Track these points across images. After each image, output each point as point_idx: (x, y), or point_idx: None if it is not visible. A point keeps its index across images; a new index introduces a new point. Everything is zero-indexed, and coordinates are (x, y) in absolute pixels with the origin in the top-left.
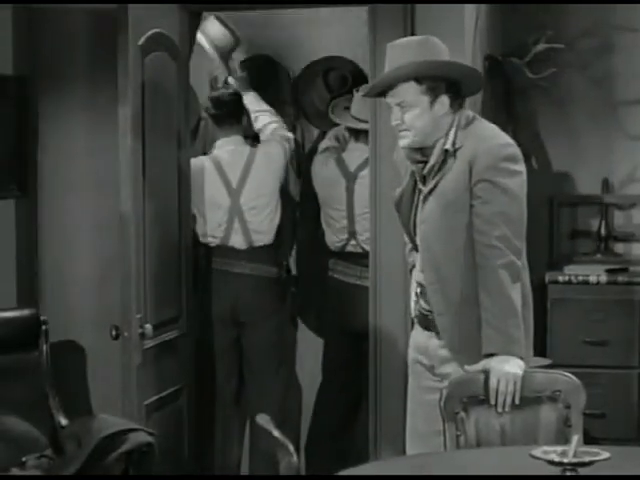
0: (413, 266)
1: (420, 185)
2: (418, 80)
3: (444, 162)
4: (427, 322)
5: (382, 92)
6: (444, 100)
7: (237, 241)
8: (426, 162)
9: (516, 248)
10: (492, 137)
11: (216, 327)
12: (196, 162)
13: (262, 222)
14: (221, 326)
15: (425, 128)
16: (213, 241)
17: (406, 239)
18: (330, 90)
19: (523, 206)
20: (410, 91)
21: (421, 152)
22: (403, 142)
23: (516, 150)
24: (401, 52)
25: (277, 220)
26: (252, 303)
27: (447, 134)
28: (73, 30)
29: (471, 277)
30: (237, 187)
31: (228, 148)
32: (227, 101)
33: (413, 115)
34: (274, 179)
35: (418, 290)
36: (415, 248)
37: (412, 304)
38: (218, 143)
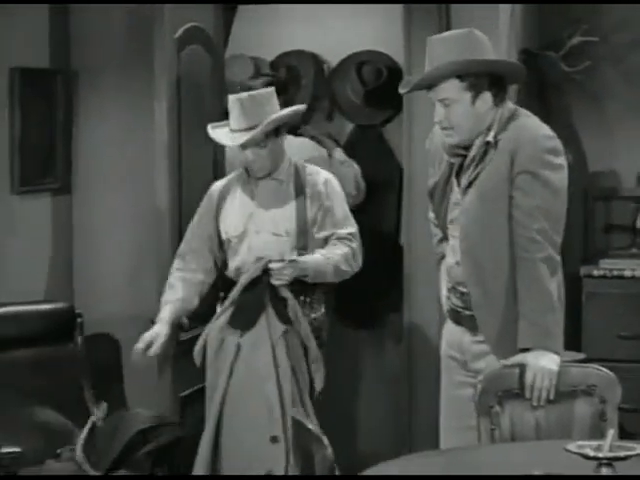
0: (442, 257)
1: (454, 177)
2: (460, 77)
3: (485, 154)
4: (459, 318)
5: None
6: (486, 97)
7: None
8: (466, 155)
9: (554, 242)
10: (536, 128)
11: None
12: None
13: None
14: None
15: (468, 125)
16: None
17: (435, 231)
18: (364, 84)
19: (563, 201)
20: (452, 88)
21: (463, 146)
22: (451, 140)
23: (559, 143)
24: (443, 48)
25: None
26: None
27: (489, 128)
28: (109, 24)
29: (511, 270)
30: None
31: None
32: None
33: (456, 112)
34: None
35: (449, 286)
36: (445, 238)
37: (443, 299)
38: None
